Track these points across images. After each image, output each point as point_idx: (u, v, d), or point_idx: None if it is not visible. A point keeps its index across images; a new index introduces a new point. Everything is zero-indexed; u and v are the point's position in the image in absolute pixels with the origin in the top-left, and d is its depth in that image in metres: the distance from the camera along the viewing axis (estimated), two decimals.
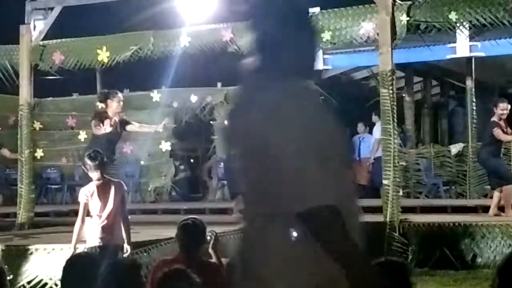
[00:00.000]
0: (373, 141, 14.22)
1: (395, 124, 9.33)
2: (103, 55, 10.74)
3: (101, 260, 4.33)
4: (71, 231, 6.74)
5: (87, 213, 6.67)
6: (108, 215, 6.63)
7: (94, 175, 6.70)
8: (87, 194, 6.65)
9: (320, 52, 14.69)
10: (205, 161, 17.79)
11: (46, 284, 7.35)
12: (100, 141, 8.77)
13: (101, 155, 6.89)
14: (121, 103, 9.30)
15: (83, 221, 6.65)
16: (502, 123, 9.92)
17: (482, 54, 14.26)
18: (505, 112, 9.88)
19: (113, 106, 9.22)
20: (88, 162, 6.73)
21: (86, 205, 6.63)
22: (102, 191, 6.66)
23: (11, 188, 12.60)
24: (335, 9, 9.78)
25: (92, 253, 6.12)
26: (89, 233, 6.68)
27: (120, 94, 9.41)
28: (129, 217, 8.45)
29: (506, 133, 9.93)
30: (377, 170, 12.75)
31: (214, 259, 5.21)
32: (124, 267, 4.27)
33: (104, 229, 6.58)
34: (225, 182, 15.99)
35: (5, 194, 12.76)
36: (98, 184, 6.68)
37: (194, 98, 16.35)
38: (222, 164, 16.08)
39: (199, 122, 17.00)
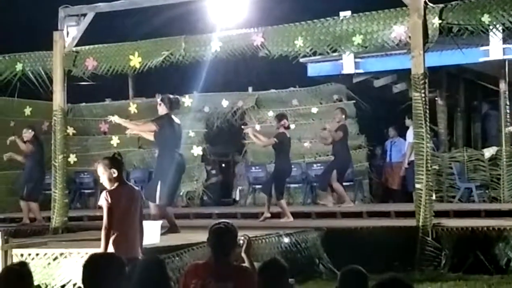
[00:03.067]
0: (406, 145, 14.17)
1: (428, 128, 9.27)
2: (135, 61, 10.82)
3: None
4: None
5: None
6: (126, 224, 6.22)
7: (113, 179, 6.28)
8: (111, 196, 6.19)
9: (352, 56, 14.65)
10: (236, 165, 17.83)
11: None
12: None
13: (120, 157, 6.46)
14: (158, 105, 9.63)
15: (110, 226, 6.17)
16: None
17: None
18: None
19: None
20: (107, 164, 6.32)
21: (110, 208, 6.16)
22: (124, 197, 6.26)
23: (45, 193, 12.74)
24: (367, 13, 9.74)
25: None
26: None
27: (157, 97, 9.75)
28: (161, 222, 8.56)
29: None
30: (410, 174, 12.70)
31: (246, 263, 5.21)
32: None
33: (120, 239, 6.15)
34: (256, 186, 16.02)
35: (39, 199, 12.90)
36: (119, 189, 6.28)
37: (225, 103, 16.41)
38: (253, 168, 16.11)
39: (230, 126, 17.05)
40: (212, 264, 4.88)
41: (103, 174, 6.36)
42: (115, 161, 6.39)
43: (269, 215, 11.64)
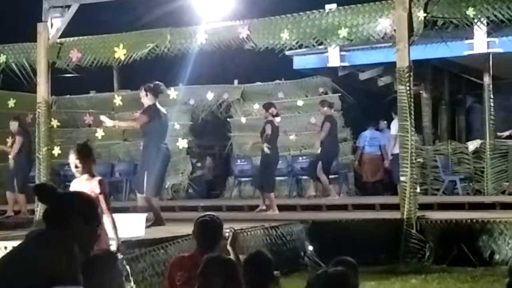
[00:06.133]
0: (388, 137, 14.30)
1: (413, 121, 9.30)
2: (120, 53, 10.76)
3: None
4: None
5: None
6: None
7: (79, 170, 6.13)
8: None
9: (337, 49, 14.66)
10: (222, 158, 17.84)
11: None
12: None
13: (87, 147, 6.36)
14: (142, 99, 9.56)
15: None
16: None
17: (500, 50, 14.16)
18: None
19: None
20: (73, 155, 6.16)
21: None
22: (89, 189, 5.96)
23: (29, 186, 12.68)
24: (352, 6, 9.74)
25: None
26: None
27: (141, 90, 9.62)
28: (146, 215, 8.53)
29: None
30: (394, 167, 12.79)
31: (232, 256, 5.21)
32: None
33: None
34: (242, 179, 16.02)
35: (24, 192, 12.85)
36: (84, 180, 6.11)
37: (210, 95, 16.38)
38: (238, 161, 16.11)
39: (216, 119, 17.04)
40: (197, 256, 4.88)
41: (75, 163, 6.22)
42: (82, 150, 6.31)
43: (264, 207, 11.64)
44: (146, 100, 9.63)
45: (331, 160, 13.47)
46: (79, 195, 3.55)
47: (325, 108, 13.42)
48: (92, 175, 6.24)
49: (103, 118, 9.88)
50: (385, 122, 15.46)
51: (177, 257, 5.21)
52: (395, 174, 12.68)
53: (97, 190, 6.05)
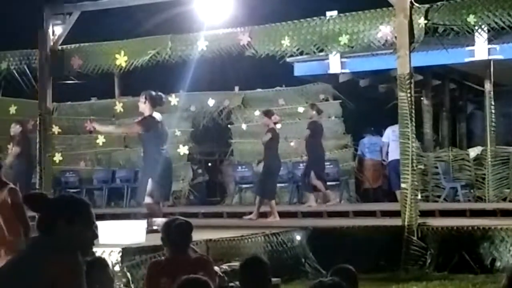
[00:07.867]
0: (381, 144, 14.37)
1: (413, 128, 9.29)
2: (121, 60, 10.78)
3: None
4: None
5: None
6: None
7: None
8: None
9: (338, 56, 14.67)
10: (223, 165, 17.82)
11: None
12: None
13: None
14: (139, 104, 9.50)
15: None
16: None
17: (500, 57, 14.18)
18: None
19: None
20: None
21: None
22: None
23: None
24: (353, 13, 9.76)
25: None
26: None
27: (141, 96, 9.54)
28: (146, 221, 8.52)
29: None
30: (390, 174, 12.82)
31: (198, 254, 5.24)
32: None
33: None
34: (243, 186, 16.01)
35: None
36: None
37: (211, 102, 16.40)
38: (239, 167, 16.10)
39: (216, 125, 17.04)
40: (176, 259, 4.88)
41: None
42: None
43: (255, 218, 11.59)
44: (143, 106, 9.50)
45: (321, 166, 13.43)
46: (63, 198, 3.51)
47: (314, 112, 13.39)
48: (3, 183, 5.93)
49: (96, 125, 9.94)
50: (372, 128, 15.64)
51: (154, 263, 5.19)
52: (392, 181, 12.71)
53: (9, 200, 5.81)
